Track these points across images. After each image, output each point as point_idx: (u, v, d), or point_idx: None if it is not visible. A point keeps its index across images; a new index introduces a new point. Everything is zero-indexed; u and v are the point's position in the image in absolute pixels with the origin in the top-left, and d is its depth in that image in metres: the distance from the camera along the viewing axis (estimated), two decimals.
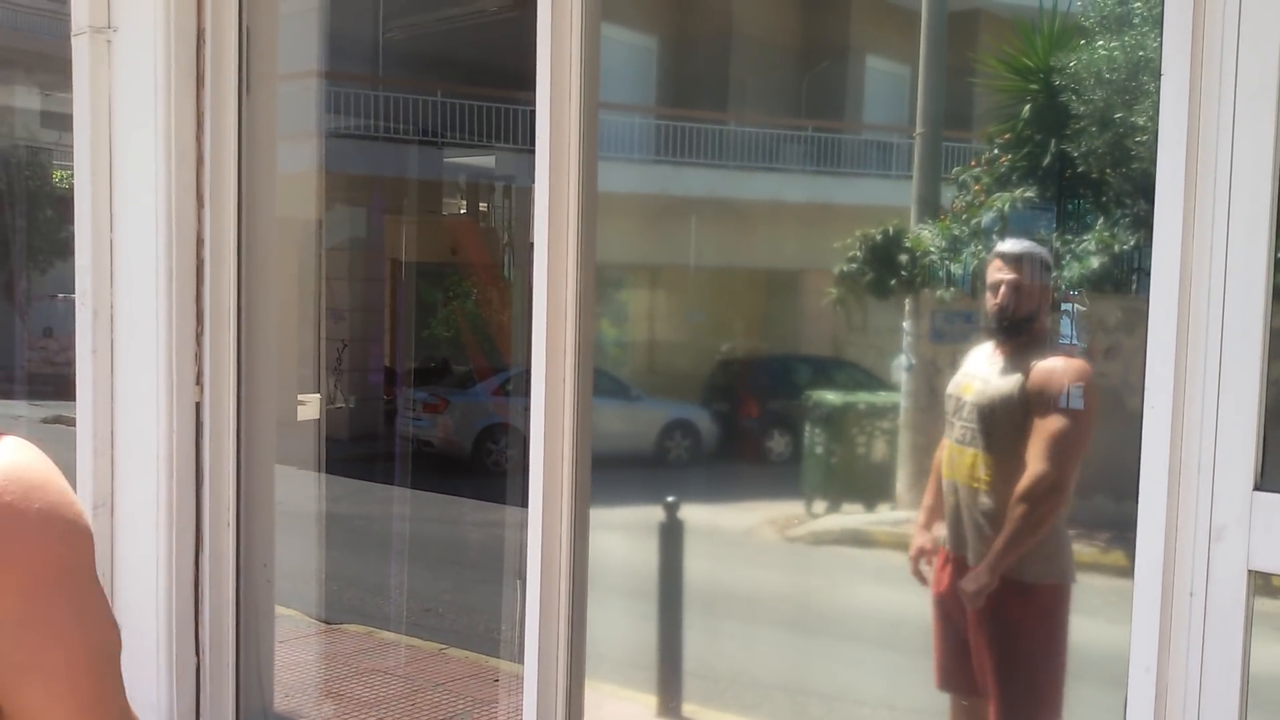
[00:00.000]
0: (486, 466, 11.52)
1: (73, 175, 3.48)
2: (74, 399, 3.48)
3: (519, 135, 12.83)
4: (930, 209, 6.19)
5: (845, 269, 6.24)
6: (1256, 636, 1.68)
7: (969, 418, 3.21)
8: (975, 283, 5.61)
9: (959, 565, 3.25)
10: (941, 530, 3.33)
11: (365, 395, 13.73)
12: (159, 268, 3.29)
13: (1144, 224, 4.81)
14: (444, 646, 5.73)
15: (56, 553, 0.92)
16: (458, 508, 9.95)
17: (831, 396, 6.77)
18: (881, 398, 6.63)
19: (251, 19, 3.35)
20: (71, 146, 3.44)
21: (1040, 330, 3.27)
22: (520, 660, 2.70)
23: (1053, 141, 5.31)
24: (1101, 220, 5.07)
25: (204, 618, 3.38)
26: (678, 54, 9.97)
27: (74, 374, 3.47)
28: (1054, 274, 4.55)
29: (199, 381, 3.35)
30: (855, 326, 6.87)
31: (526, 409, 2.65)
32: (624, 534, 5.29)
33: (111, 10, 3.37)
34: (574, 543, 2.63)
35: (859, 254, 6.14)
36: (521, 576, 2.67)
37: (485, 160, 14.45)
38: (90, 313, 3.40)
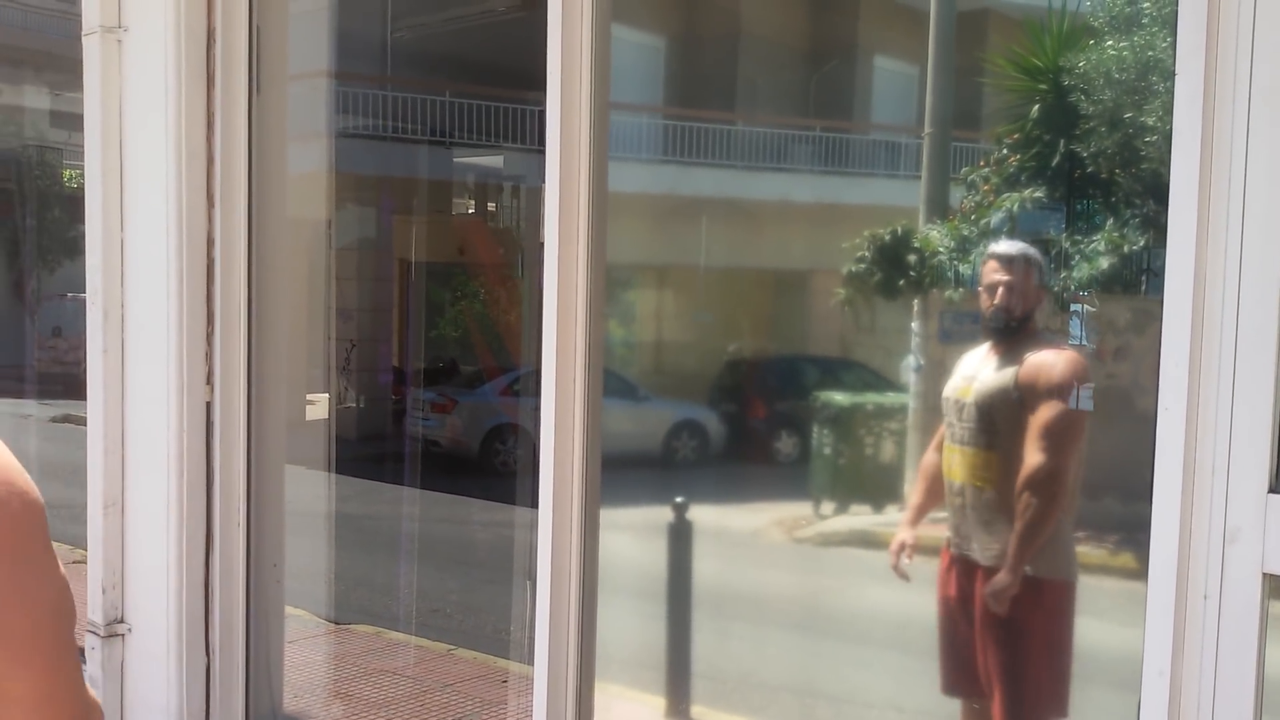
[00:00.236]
0: (494, 467, 11.53)
1: (83, 175, 3.50)
2: (83, 398, 3.50)
3: (528, 135, 12.83)
4: (939, 209, 6.18)
5: (854, 269, 6.23)
6: (1271, 640, 1.67)
7: (969, 418, 3.23)
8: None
9: (965, 566, 3.26)
10: (926, 529, 3.36)
11: (374, 395, 13.74)
12: (169, 268, 3.30)
13: (1154, 224, 4.80)
14: (452, 647, 5.73)
15: (12, 523, 0.95)
16: (465, 508, 9.96)
17: (840, 397, 6.76)
18: (890, 399, 6.62)
19: (262, 19, 3.35)
20: (81, 146, 3.46)
21: (1035, 330, 3.29)
22: (529, 661, 2.69)
23: (1062, 142, 5.30)
24: (1111, 221, 5.05)
25: (214, 618, 3.39)
26: (686, 54, 9.95)
27: (84, 373, 3.48)
28: (1049, 274, 4.55)
29: (209, 381, 3.36)
30: (863, 327, 6.85)
31: (534, 409, 2.65)
32: (632, 535, 5.28)
33: (122, 10, 3.38)
34: (584, 543, 2.63)
35: (867, 254, 6.13)
36: (531, 577, 2.67)
37: (494, 160, 14.47)
38: (101, 312, 3.41)
